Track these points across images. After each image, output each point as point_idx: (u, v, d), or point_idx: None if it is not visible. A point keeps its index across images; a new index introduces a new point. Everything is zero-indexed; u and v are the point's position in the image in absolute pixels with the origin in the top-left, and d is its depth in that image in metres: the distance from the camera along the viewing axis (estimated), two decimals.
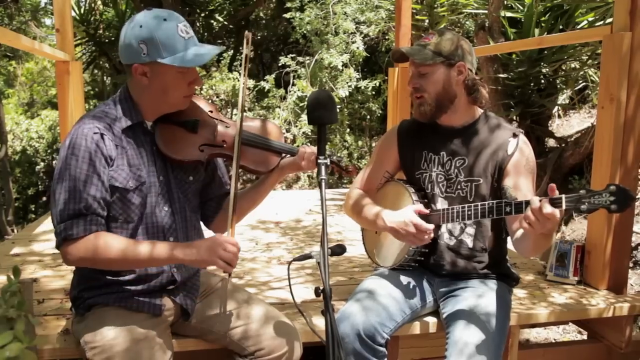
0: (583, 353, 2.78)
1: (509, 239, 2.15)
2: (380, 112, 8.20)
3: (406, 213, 2.04)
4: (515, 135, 2.11)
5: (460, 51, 2.08)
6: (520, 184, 2.05)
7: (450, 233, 2.18)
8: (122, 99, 1.86)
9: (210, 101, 4.05)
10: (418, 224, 2.00)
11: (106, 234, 1.75)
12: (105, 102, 1.89)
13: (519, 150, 2.08)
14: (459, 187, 2.15)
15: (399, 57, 2.18)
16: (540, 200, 1.68)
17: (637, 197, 4.05)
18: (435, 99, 2.10)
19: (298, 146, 2.05)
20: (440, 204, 2.17)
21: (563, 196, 1.67)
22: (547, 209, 1.66)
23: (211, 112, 2.02)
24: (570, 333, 4.12)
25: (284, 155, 2.07)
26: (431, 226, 2.01)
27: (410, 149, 2.26)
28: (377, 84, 7.97)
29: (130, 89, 1.87)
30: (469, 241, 2.17)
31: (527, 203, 1.75)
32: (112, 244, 1.72)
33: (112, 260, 1.73)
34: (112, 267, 1.79)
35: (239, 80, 8.35)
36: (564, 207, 1.67)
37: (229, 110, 8.25)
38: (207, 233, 2.09)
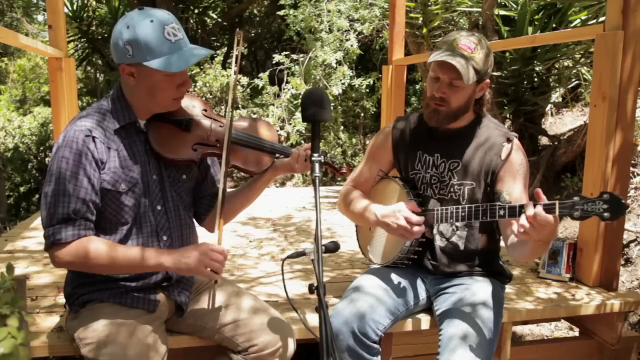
0: (575, 349, 2.80)
1: (501, 237, 2.16)
2: (374, 109, 8.21)
3: (397, 206, 2.04)
4: (509, 140, 2.10)
5: (489, 68, 2.05)
6: (513, 189, 2.04)
7: (442, 234, 2.18)
8: (115, 98, 1.84)
9: (204, 99, 4.04)
10: (408, 217, 1.99)
11: (95, 239, 1.75)
12: (99, 101, 1.87)
13: (512, 156, 2.08)
14: (451, 189, 2.14)
15: (442, 64, 1.99)
16: (534, 206, 1.69)
17: (628, 194, 4.07)
18: (455, 111, 2.07)
19: (292, 145, 2.04)
20: (433, 205, 2.16)
21: (556, 202, 1.68)
22: (542, 215, 1.66)
23: (205, 110, 2.00)
24: (562, 330, 4.15)
25: (277, 155, 2.05)
26: (421, 219, 2.00)
27: (404, 149, 2.25)
28: (371, 82, 7.97)
29: (122, 87, 1.85)
30: (460, 243, 2.17)
31: (521, 207, 1.76)
32: (100, 250, 1.72)
33: (99, 265, 1.74)
34: (99, 272, 1.80)
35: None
36: (557, 213, 1.68)
37: (222, 107, 8.23)
38: (199, 230, 2.10)
